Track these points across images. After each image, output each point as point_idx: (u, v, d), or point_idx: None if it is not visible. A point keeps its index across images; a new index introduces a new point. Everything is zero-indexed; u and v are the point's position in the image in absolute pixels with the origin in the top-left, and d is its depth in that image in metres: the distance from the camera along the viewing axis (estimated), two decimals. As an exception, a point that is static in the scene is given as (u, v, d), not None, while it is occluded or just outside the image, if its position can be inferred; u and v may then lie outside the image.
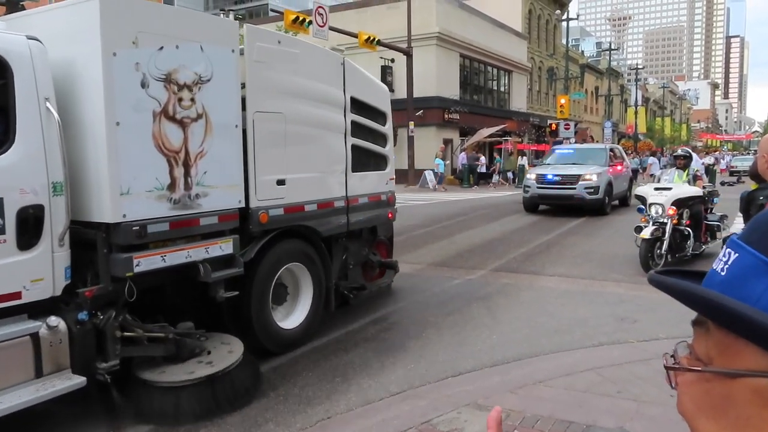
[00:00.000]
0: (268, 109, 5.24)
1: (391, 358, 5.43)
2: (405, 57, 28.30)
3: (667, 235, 8.58)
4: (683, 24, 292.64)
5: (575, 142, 30.65)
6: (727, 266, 0.59)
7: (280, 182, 5.40)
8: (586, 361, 5.10)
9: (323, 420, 4.24)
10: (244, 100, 5.01)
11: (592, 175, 15.96)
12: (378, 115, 7.02)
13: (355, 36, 25.29)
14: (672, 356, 0.65)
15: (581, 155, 18.01)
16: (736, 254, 0.58)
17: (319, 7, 22.58)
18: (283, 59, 5.41)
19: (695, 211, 9.12)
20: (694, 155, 22.53)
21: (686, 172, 9.43)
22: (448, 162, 28.80)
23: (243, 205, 4.98)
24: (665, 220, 8.61)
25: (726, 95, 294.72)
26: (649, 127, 71.44)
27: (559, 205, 16.75)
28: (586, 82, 58.47)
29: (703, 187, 9.46)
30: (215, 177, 4.67)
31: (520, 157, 34.70)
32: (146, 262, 4.16)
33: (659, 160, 32.76)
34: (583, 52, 78.13)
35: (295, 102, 5.53)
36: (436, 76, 31.21)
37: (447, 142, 32.74)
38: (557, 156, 18.60)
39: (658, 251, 8.63)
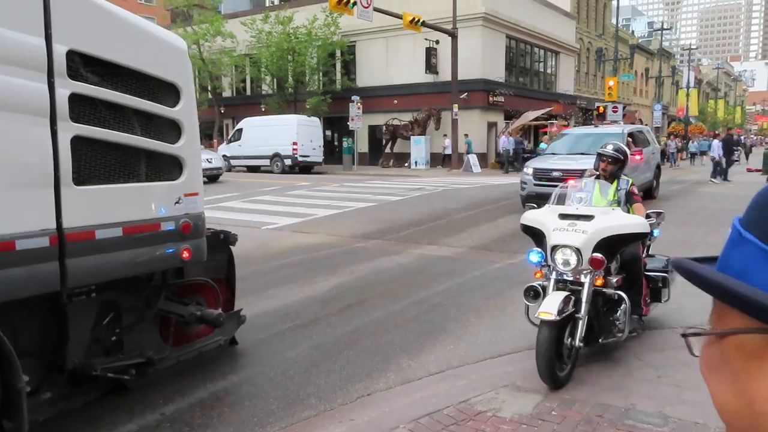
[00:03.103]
0: None
1: (431, 339, 5.51)
2: (450, 38, 28.06)
3: (583, 309, 4.39)
4: (741, 1, 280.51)
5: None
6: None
7: None
8: (627, 345, 5.07)
9: (363, 396, 4.35)
10: None
11: None
12: (158, 87, 4.09)
13: (400, 17, 25.22)
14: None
15: (593, 142, 14.99)
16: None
17: (364, -12, 22.58)
18: None
19: (631, 258, 5.01)
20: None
21: (614, 185, 5.34)
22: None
23: None
24: (583, 279, 4.46)
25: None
26: (701, 109, 69.13)
27: None
28: (636, 63, 56.81)
29: (647, 216, 5.18)
30: None
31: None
32: None
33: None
34: (633, 32, 75.90)
35: None
36: (482, 58, 30.80)
37: (491, 125, 32.37)
38: (565, 143, 15.97)
39: (569, 340, 4.38)
